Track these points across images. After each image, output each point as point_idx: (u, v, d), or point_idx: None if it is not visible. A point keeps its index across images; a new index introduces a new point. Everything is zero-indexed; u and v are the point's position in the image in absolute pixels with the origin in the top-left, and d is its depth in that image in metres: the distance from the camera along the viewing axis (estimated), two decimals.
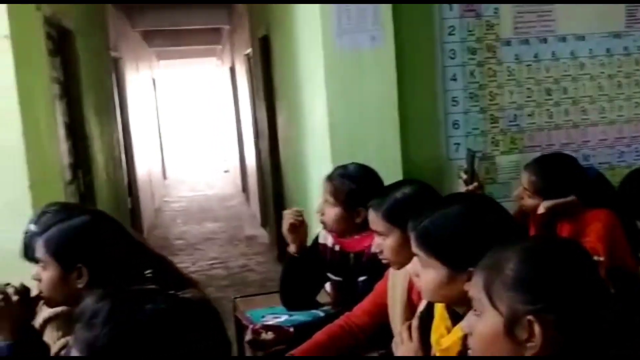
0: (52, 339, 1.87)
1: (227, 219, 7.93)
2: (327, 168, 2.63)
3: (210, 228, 7.38)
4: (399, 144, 2.70)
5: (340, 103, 2.71)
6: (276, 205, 4.87)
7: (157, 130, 10.46)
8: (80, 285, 1.49)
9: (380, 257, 1.64)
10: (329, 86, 2.71)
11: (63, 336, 1.88)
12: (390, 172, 2.54)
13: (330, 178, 2.11)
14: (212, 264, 5.69)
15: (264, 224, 6.45)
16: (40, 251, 1.51)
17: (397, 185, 1.77)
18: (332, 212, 2.05)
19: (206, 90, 15.56)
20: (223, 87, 11.36)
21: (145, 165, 7.60)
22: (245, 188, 8.87)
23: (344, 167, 2.16)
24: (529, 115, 2.89)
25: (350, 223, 2.03)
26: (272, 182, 5.01)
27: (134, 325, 0.89)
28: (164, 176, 11.52)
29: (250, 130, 6.63)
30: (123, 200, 5.64)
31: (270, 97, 4.74)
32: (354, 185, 2.04)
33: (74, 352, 0.95)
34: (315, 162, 3.10)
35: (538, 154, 2.63)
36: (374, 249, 1.64)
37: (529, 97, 2.87)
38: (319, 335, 1.83)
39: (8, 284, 1.53)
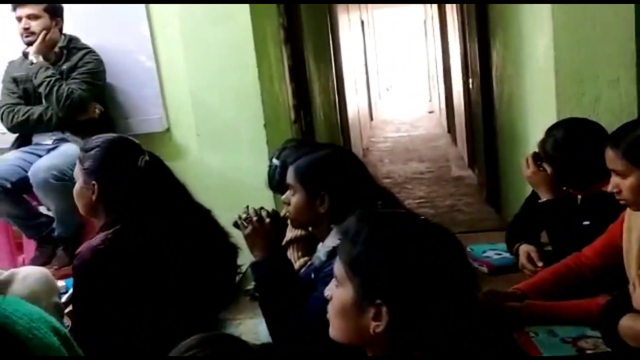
0: (294, 258, 2.12)
1: (433, 159, 7.95)
2: (551, 108, 2.53)
3: (417, 168, 7.47)
4: (634, 80, 2.49)
5: (567, 36, 2.55)
6: (486, 147, 4.78)
7: (364, 73, 10.72)
8: (322, 211, 1.65)
9: (618, 197, 1.57)
10: (555, 18, 2.56)
11: (302, 257, 2.13)
12: (625, 108, 2.36)
13: None
14: (420, 202, 5.79)
15: (472, 165, 6.36)
16: (290, 178, 1.70)
17: (637, 123, 1.66)
18: None
19: (412, 29, 15.44)
20: (430, 26, 11.18)
21: (354, 107, 7.88)
22: (451, 129, 8.79)
23: None
24: None
25: None
26: (483, 122, 4.90)
27: (391, 245, 1.00)
28: (371, 117, 11.84)
29: (458, 69, 6.50)
30: (336, 140, 5.95)
31: (483, 33, 4.59)
32: None
33: (337, 263, 1.09)
34: (536, 100, 2.98)
35: None
36: (610, 189, 1.57)
37: None
38: (544, 273, 1.82)
39: (262, 208, 1.76)
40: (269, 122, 3.15)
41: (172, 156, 3.19)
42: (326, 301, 1.14)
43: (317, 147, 1.86)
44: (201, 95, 3.17)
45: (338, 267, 1.08)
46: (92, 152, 1.81)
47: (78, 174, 1.81)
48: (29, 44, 2.95)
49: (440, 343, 1.00)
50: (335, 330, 1.10)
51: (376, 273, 1.02)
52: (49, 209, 2.90)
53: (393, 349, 1.02)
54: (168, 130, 3.29)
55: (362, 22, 10.84)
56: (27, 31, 2.93)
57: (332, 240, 1.62)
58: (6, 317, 1.33)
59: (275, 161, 2.16)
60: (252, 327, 1.88)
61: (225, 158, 3.16)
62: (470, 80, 5.73)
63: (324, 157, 1.70)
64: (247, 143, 3.13)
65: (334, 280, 1.11)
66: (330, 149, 1.78)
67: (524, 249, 2.04)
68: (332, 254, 1.60)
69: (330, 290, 1.12)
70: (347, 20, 7.95)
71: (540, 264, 1.96)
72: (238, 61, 3.08)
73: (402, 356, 1.01)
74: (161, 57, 3.23)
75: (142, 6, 3.17)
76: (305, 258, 2.06)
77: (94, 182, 1.77)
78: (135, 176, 1.77)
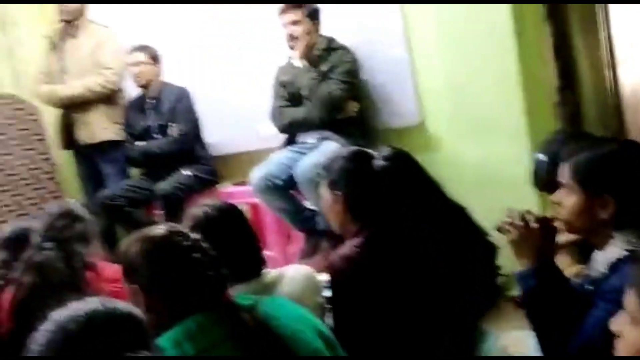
0: (563, 264, 1.89)
1: None
2: None
3: None
4: None
5: None
6: None
7: None
8: (604, 216, 1.43)
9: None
10: None
11: (572, 264, 1.89)
12: None
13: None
14: None
15: None
16: (565, 176, 1.51)
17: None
18: None
19: None
20: None
21: (633, 85, 6.95)
22: None
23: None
24: None
25: None
26: None
27: None
28: None
29: None
30: (610, 125, 5.30)
31: None
32: None
33: (630, 294, 0.90)
34: None
35: None
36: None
37: None
38: None
39: (528, 212, 1.59)
40: (530, 108, 2.91)
41: (425, 149, 3.15)
42: (607, 322, 0.96)
43: (598, 141, 1.63)
44: (457, 84, 3.06)
45: (633, 301, 0.89)
46: (333, 164, 1.83)
47: (323, 189, 1.85)
48: (293, 48, 3.15)
49: None
50: None
51: None
52: (313, 204, 3.07)
53: None
54: (422, 123, 3.24)
55: None
56: (291, 37, 3.13)
57: (615, 251, 1.41)
58: (273, 318, 1.39)
59: (541, 156, 1.95)
60: (520, 340, 1.73)
61: (482, 150, 3.01)
62: None
63: (610, 153, 1.47)
64: (506, 133, 2.93)
65: (624, 314, 0.92)
66: (616, 144, 1.54)
67: None
68: (614, 267, 1.39)
69: (621, 325, 0.93)
70: None
71: None
72: (495, 44, 2.91)
73: None
74: (415, 49, 3.18)
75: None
76: (578, 267, 1.82)
77: (338, 192, 1.78)
78: (379, 181, 1.74)
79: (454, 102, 3.08)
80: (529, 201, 2.12)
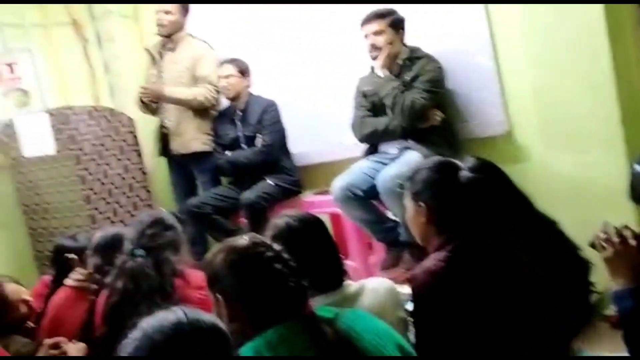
0: None
1: None
2: None
3: None
4: None
5: None
6: None
7: None
8: None
9: None
10: None
11: None
12: None
13: None
14: None
15: None
16: None
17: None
18: None
19: None
20: None
21: None
22: None
23: None
24: None
25: None
26: None
27: None
28: None
29: None
30: None
31: None
32: None
33: None
34: None
35: None
36: None
37: None
38: None
39: (626, 227, 1.50)
40: (627, 116, 2.75)
41: (513, 159, 3.05)
42: None
43: None
44: (546, 92, 2.94)
45: None
46: (418, 175, 1.79)
47: (407, 201, 1.82)
48: (375, 58, 3.14)
49: None
50: None
51: None
52: (395, 215, 3.04)
53: None
54: (509, 132, 3.14)
55: None
56: (373, 47, 3.12)
57: None
58: (354, 331, 1.38)
59: (638, 167, 1.83)
60: None
61: (574, 160, 2.87)
62: None
63: None
64: (600, 142, 2.79)
65: None
66: None
67: None
68: None
69: None
70: None
71: None
72: (588, 50, 2.77)
73: None
74: (501, 56, 3.10)
75: (480, 7, 3.09)
76: None
77: (422, 204, 1.75)
78: (464, 193, 1.69)
79: (543, 110, 2.96)
80: (626, 216, 2.00)
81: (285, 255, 1.43)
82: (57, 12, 4.42)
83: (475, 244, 1.67)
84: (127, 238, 2.17)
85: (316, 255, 1.71)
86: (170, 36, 3.90)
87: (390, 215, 3.11)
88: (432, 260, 1.67)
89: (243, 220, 3.59)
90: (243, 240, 1.44)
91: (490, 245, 1.68)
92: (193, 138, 3.85)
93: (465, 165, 1.81)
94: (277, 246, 1.44)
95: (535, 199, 1.81)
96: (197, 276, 2.04)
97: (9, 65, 4.18)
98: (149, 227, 2.17)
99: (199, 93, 3.77)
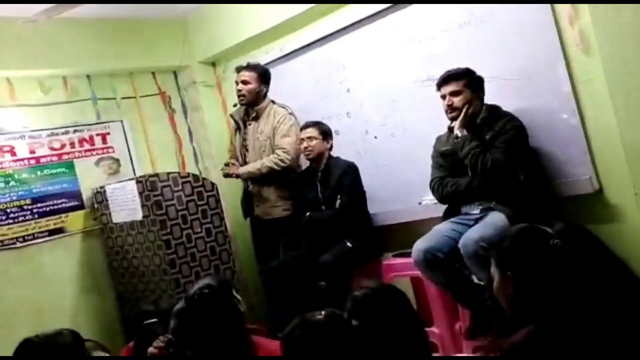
0: None
1: None
2: None
3: None
4: None
5: None
6: None
7: None
8: None
9: None
10: None
11: None
12: None
13: None
14: None
15: None
16: None
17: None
18: None
19: None
20: None
21: None
22: None
23: None
24: None
25: None
26: None
27: None
28: None
29: None
30: None
31: None
32: None
33: None
34: None
35: None
36: None
37: None
38: None
39: None
40: None
41: (604, 219, 2.88)
42: None
43: None
44: (637, 148, 2.77)
45: None
46: (503, 243, 1.71)
47: (493, 269, 1.74)
48: (453, 119, 3.09)
49: None
50: None
51: None
52: (480, 279, 2.91)
53: None
54: (600, 190, 2.97)
55: None
56: (450, 107, 3.08)
57: None
58: None
59: None
60: None
61: None
62: None
63: None
64: None
65: None
66: None
67: None
68: None
69: None
70: None
71: None
72: None
73: None
74: (586, 112, 2.97)
75: (562, 63, 3.00)
76: None
77: (509, 273, 1.66)
78: (553, 261, 1.60)
79: (636, 167, 2.79)
80: None
81: (363, 331, 1.38)
82: (145, 84, 4.68)
83: (567, 317, 1.56)
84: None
85: (398, 330, 1.65)
86: (252, 105, 4.04)
87: (475, 279, 2.99)
88: (521, 335, 1.56)
89: (321, 283, 3.55)
90: (319, 315, 1.41)
91: (584, 318, 1.56)
92: (274, 205, 3.98)
93: (552, 230, 1.72)
94: (354, 321, 1.40)
95: (631, 263, 1.69)
96: (271, 345, 2.02)
97: (102, 135, 4.45)
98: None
99: (268, 161, 3.91)
